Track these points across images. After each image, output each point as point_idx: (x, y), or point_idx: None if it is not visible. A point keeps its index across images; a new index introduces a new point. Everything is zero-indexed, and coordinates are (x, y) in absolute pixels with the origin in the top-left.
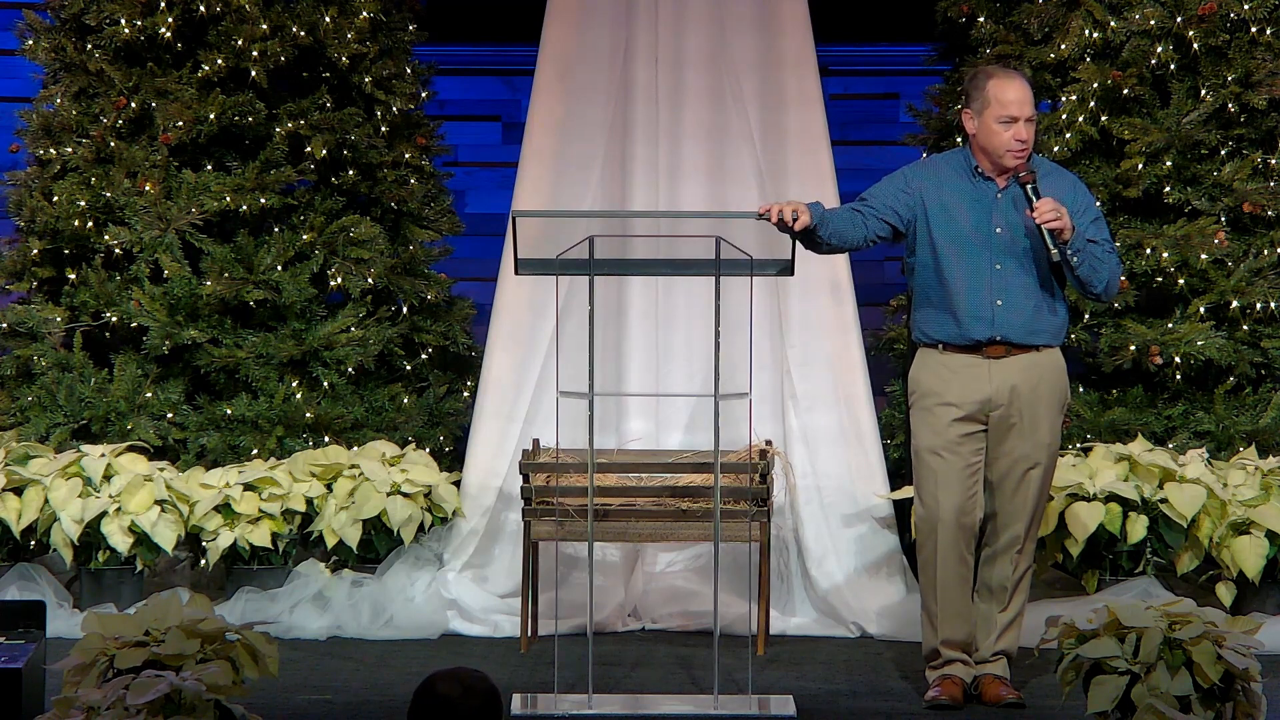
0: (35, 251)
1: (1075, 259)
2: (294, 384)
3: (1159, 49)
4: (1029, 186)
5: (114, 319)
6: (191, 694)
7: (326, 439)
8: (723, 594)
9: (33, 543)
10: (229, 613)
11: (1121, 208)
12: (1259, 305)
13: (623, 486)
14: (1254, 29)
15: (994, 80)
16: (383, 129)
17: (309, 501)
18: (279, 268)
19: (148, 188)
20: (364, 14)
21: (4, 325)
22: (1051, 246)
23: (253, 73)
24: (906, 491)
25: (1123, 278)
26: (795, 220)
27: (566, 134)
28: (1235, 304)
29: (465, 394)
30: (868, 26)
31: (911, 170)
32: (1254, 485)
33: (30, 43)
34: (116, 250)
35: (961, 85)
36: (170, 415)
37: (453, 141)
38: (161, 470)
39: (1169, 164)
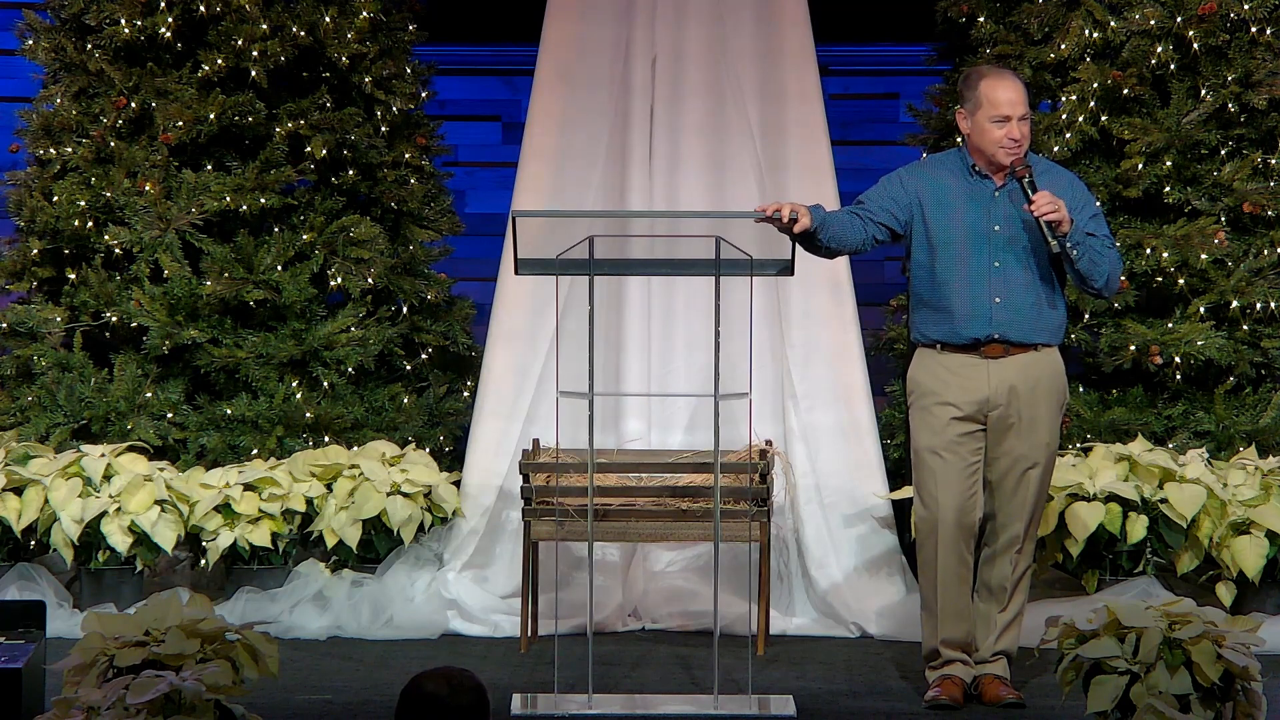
0: (35, 251)
1: (1074, 252)
2: (294, 384)
3: (1159, 49)
4: (1025, 180)
5: (114, 319)
6: (191, 694)
7: (326, 439)
8: (723, 594)
9: (33, 543)
10: (229, 613)
11: (1121, 207)
12: (1259, 305)
13: (623, 486)
14: (1254, 29)
15: (986, 80)
16: (383, 129)
17: (309, 501)
18: (279, 268)
19: (148, 188)
20: (364, 14)
21: (4, 325)
22: (1050, 239)
23: (253, 73)
24: (906, 491)
25: (1123, 277)
26: (795, 222)
27: (567, 129)
28: (1235, 304)
29: (465, 394)
30: (868, 26)
31: (907, 171)
32: (1254, 485)
33: (30, 43)
34: (116, 250)
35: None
36: (170, 415)
37: (453, 141)
38: (161, 470)
39: (1169, 164)
